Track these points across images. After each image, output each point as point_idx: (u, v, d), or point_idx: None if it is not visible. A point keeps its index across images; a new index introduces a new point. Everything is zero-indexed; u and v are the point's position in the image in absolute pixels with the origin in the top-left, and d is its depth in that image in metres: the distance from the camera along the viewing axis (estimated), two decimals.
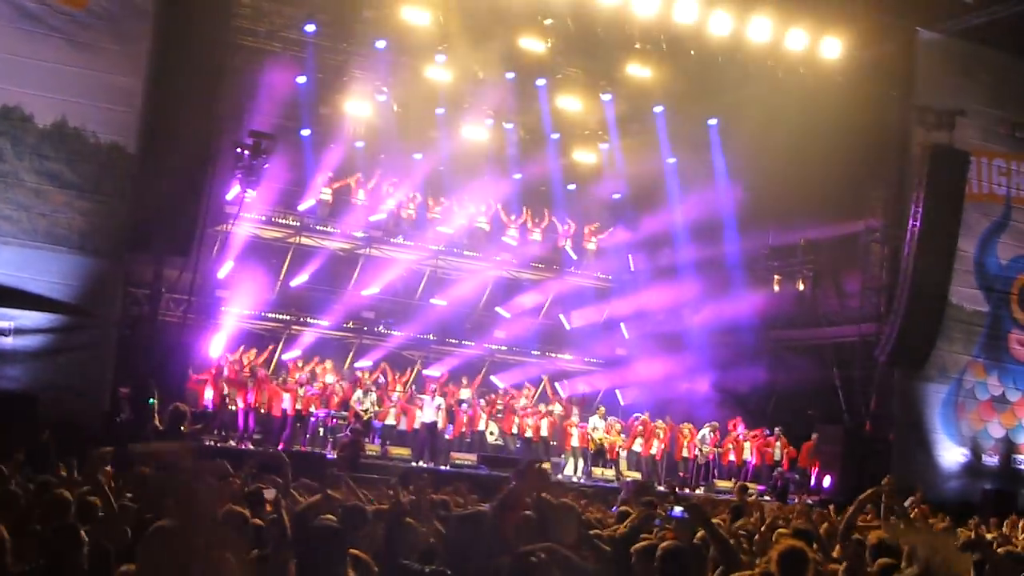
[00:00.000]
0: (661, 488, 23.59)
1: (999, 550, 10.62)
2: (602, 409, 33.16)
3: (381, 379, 31.74)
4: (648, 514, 10.47)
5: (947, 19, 32.32)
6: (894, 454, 31.21)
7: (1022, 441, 32.91)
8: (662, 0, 29.75)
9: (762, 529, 11.26)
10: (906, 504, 14.88)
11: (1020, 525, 18.69)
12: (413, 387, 32.54)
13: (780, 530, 10.41)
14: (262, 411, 28.29)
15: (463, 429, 30.97)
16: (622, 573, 8.43)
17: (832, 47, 31.40)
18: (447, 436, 30.61)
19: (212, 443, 25.95)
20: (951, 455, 32.02)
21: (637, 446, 32.05)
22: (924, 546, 6.76)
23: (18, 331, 23.94)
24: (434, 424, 29.81)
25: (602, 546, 9.44)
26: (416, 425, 30.00)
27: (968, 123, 31.80)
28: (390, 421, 30.20)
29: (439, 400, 30.23)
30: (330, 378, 31.03)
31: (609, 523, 12.13)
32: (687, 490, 29.98)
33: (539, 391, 34.97)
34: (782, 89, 32.55)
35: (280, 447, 26.95)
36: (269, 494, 11.00)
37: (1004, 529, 17.56)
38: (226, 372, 28.73)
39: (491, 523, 8.01)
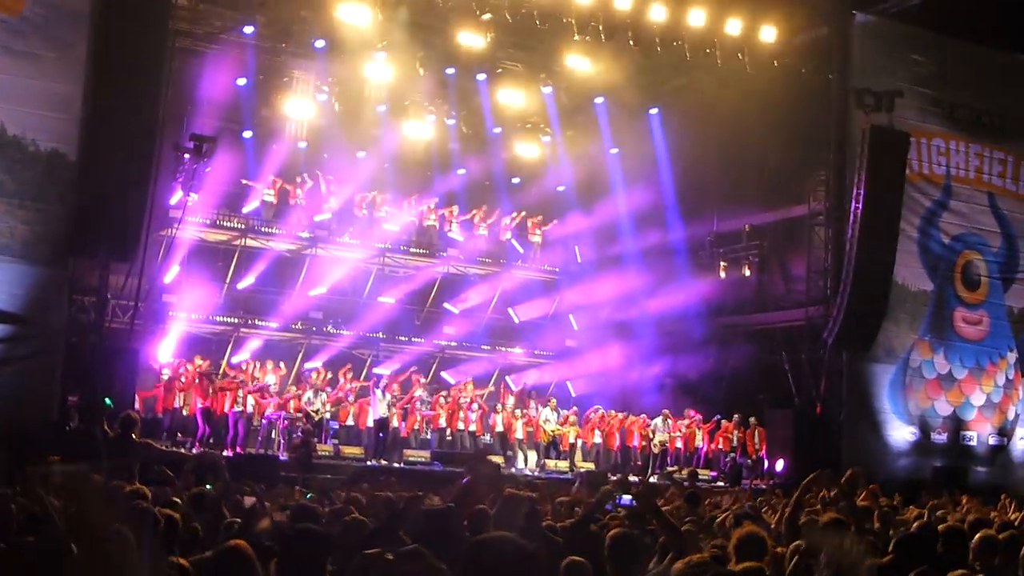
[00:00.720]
0: (613, 478, 23.69)
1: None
2: (553, 401, 33.18)
3: (332, 379, 31.63)
4: (599, 501, 10.52)
5: (882, 1, 32.59)
6: (844, 435, 31.44)
7: (970, 418, 33.20)
8: None
9: (720, 515, 11.32)
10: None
11: (964, 502, 18.82)
12: (360, 382, 32.37)
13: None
14: (214, 415, 28.15)
15: (415, 426, 30.89)
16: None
17: (769, 33, 31.58)
18: (401, 434, 30.52)
19: (163, 447, 25.76)
20: (900, 434, 32.27)
21: (589, 437, 32.13)
22: (831, 549, 6.82)
23: None
24: (385, 420, 29.74)
25: (554, 537, 9.50)
26: (369, 423, 29.95)
27: (906, 104, 31.98)
28: (349, 421, 30.12)
29: (388, 396, 30.20)
30: (271, 378, 30.86)
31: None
32: (638, 479, 30.12)
33: (490, 385, 34.97)
34: (721, 76, 32.75)
35: (229, 451, 26.87)
36: (248, 501, 11.00)
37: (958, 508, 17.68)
38: (176, 378, 28.57)
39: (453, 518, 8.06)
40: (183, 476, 12.75)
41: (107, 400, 23.07)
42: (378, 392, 30.07)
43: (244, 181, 33.84)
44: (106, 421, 20.17)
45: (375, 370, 34.18)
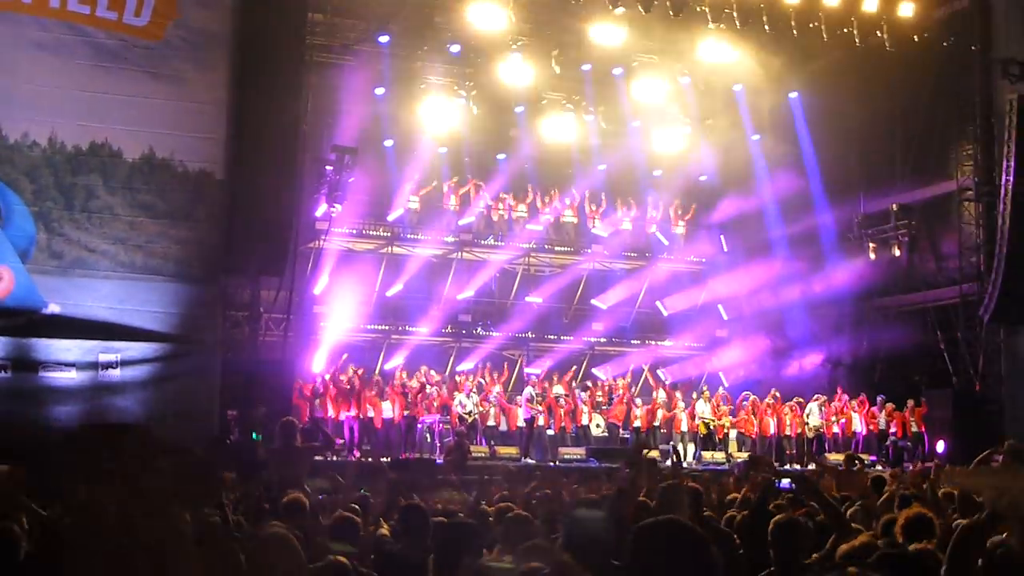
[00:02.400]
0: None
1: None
2: (707, 392, 33.03)
3: (482, 381, 31.78)
4: (768, 482, 10.45)
5: None
6: (1007, 413, 30.82)
7: None
8: None
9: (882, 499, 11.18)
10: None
11: None
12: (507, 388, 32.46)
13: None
14: (369, 422, 28.45)
15: (562, 424, 30.87)
16: (757, 547, 8.42)
17: (908, 7, 31.11)
18: (550, 432, 30.52)
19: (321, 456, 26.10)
20: None
21: (745, 426, 31.92)
22: (990, 488, 6.70)
23: (125, 363, 24.35)
24: (531, 419, 29.91)
25: (719, 527, 9.47)
26: (520, 423, 30.07)
27: None
28: (491, 422, 30.27)
29: (529, 392, 30.40)
30: (432, 384, 31.11)
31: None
32: (798, 466, 29.85)
33: (641, 379, 34.87)
34: (860, 55, 32.36)
35: (387, 457, 27.14)
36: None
37: None
38: (331, 386, 28.95)
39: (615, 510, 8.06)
40: (345, 482, 12.94)
41: (254, 434, 23.51)
42: (529, 390, 30.24)
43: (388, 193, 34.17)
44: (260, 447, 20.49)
45: (527, 370, 34.33)
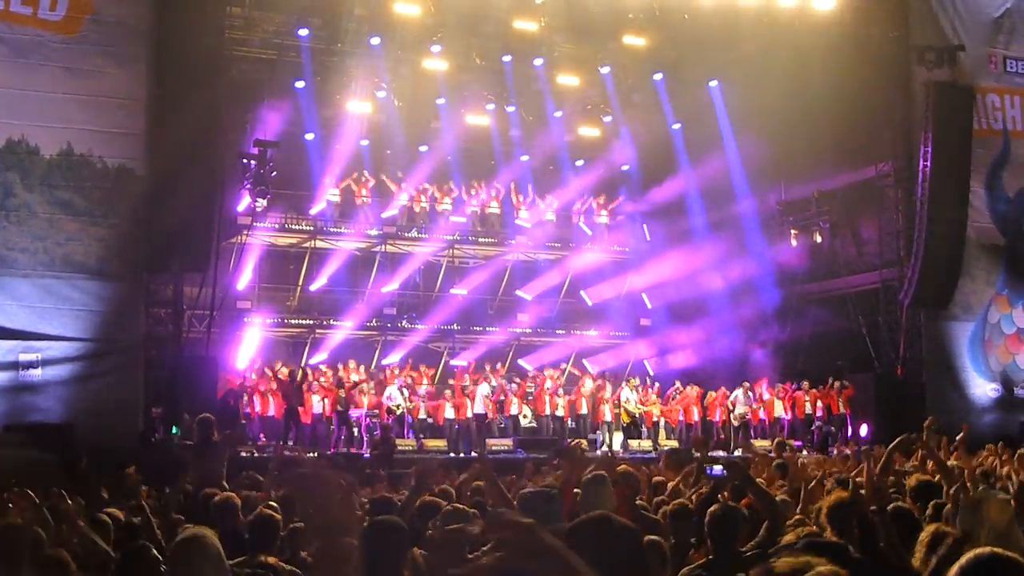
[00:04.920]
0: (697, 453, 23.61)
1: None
2: (633, 381, 33.17)
3: (413, 375, 31.73)
4: (700, 468, 10.51)
5: None
6: (928, 396, 31.20)
7: None
8: None
9: (811, 484, 11.27)
10: (956, 441, 14.87)
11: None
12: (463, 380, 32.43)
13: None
14: (303, 417, 28.31)
15: (494, 415, 30.94)
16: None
17: None
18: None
19: (247, 453, 25.97)
20: (983, 391, 32.02)
21: (670, 414, 32.07)
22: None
23: (46, 363, 24.14)
24: (483, 415, 30.07)
25: (647, 514, 9.51)
26: (449, 416, 30.08)
27: (960, 59, 31.77)
28: (422, 415, 30.27)
29: (485, 388, 30.49)
30: (354, 377, 30.98)
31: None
32: (723, 452, 30.05)
33: (568, 369, 34.94)
34: (779, 43, 32.55)
35: (315, 452, 27.04)
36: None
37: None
38: (254, 381, 28.81)
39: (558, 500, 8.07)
40: (268, 479, 12.87)
41: (174, 428, 23.39)
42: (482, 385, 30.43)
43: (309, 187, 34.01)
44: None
45: (452, 362, 34.31)
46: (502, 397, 31.23)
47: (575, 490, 9.00)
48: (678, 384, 32.83)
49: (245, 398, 28.09)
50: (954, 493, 9.10)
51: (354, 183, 34.43)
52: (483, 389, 30.69)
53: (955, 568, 3.81)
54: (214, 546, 6.03)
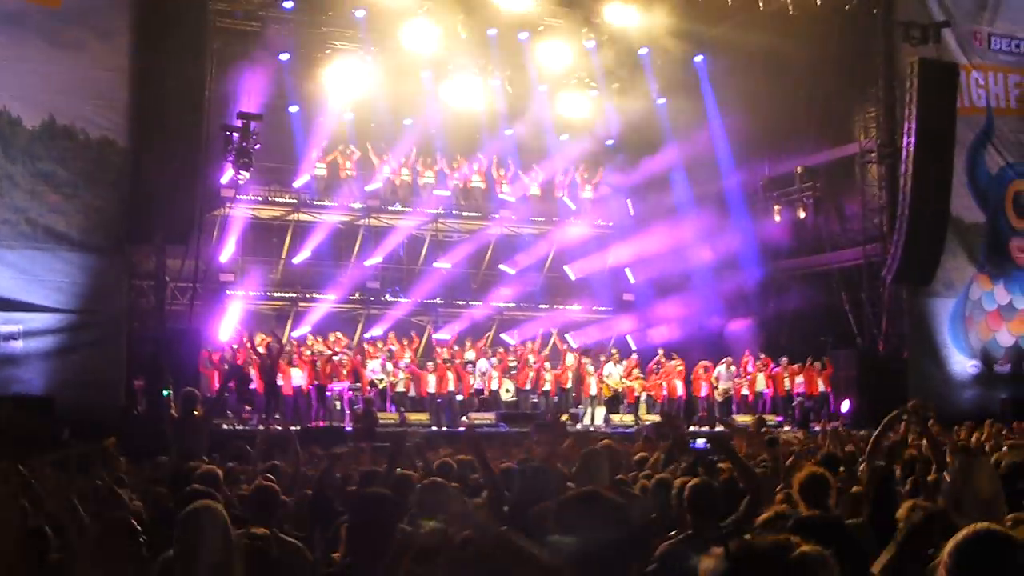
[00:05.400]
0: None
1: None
2: (616, 354, 33.22)
3: (393, 348, 31.69)
4: (678, 443, 10.53)
5: None
6: (909, 372, 31.31)
7: None
8: None
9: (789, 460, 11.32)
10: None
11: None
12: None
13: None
14: (281, 389, 28.29)
15: (472, 388, 30.99)
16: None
17: None
18: (460, 397, 30.61)
19: (230, 426, 25.97)
20: (963, 368, 32.15)
21: (653, 389, 32.10)
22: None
23: (28, 334, 24.05)
24: (480, 390, 30.66)
25: (631, 491, 9.54)
26: (431, 389, 30.10)
27: (945, 36, 31.81)
28: (400, 389, 30.27)
29: (484, 364, 30.82)
30: (341, 351, 30.96)
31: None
32: (707, 427, 30.12)
33: (550, 344, 34.96)
34: (764, 19, 32.59)
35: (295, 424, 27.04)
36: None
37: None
38: (238, 354, 28.77)
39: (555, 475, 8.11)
40: (254, 452, 12.87)
41: (165, 391, 23.30)
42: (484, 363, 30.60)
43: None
44: (173, 405, 20.35)
45: (436, 335, 34.30)
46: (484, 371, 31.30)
47: (558, 464, 9.01)
48: (661, 354, 32.81)
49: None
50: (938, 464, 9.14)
51: (340, 156, 34.37)
52: (482, 365, 30.82)
53: (951, 544, 3.84)
54: (222, 515, 6.10)
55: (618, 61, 37.14)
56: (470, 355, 31.79)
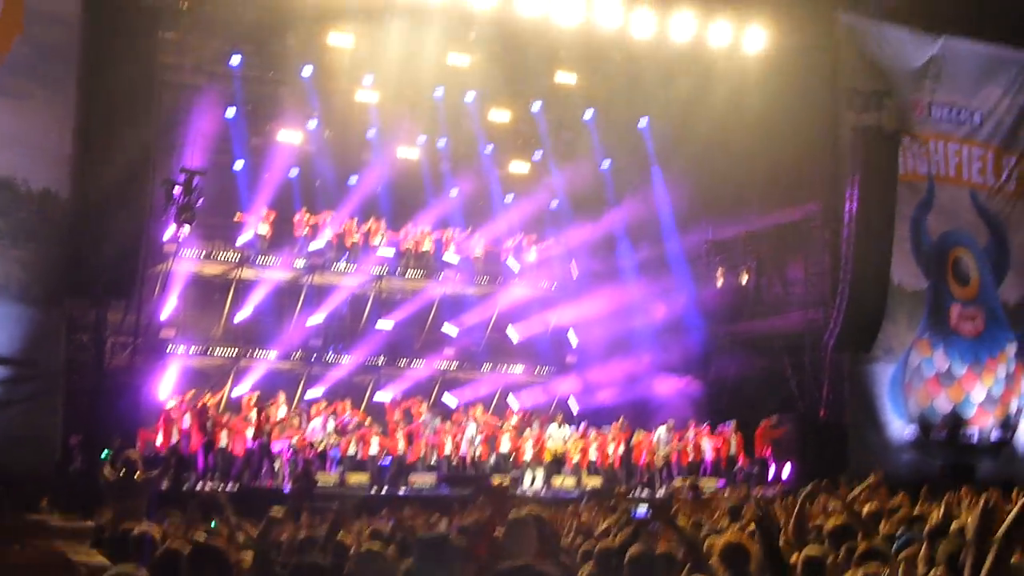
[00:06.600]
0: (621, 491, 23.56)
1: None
2: (559, 417, 33.11)
3: (337, 409, 31.43)
4: (624, 514, 10.45)
5: (867, 2, 32.75)
6: (850, 438, 31.41)
7: (970, 414, 33.17)
8: (585, 4, 29.99)
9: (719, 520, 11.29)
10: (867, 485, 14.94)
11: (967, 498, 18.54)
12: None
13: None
14: (226, 450, 27.98)
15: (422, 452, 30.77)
16: None
17: (755, 37, 31.74)
18: (407, 460, 30.38)
19: (168, 487, 25.62)
20: (902, 434, 32.29)
21: (594, 453, 31.98)
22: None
23: None
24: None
25: (564, 558, 9.44)
26: (373, 452, 29.86)
27: (888, 104, 32.19)
28: (351, 451, 29.99)
29: (472, 429, 30.94)
30: (282, 411, 30.66)
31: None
32: (647, 491, 30.08)
33: (493, 406, 34.84)
34: (709, 83, 32.82)
35: (236, 485, 26.79)
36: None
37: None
38: (178, 412, 28.44)
39: (462, 547, 8.01)
40: (188, 514, 12.73)
41: (104, 452, 23.01)
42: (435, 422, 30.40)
43: (238, 216, 33.76)
44: (108, 463, 20.08)
45: (377, 395, 34.11)
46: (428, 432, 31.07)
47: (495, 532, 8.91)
48: (611, 425, 32.73)
49: (174, 428, 27.72)
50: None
51: (283, 213, 34.23)
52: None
53: None
54: None
55: (563, 123, 37.34)
56: (427, 417, 31.55)
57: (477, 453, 31.20)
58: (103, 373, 26.29)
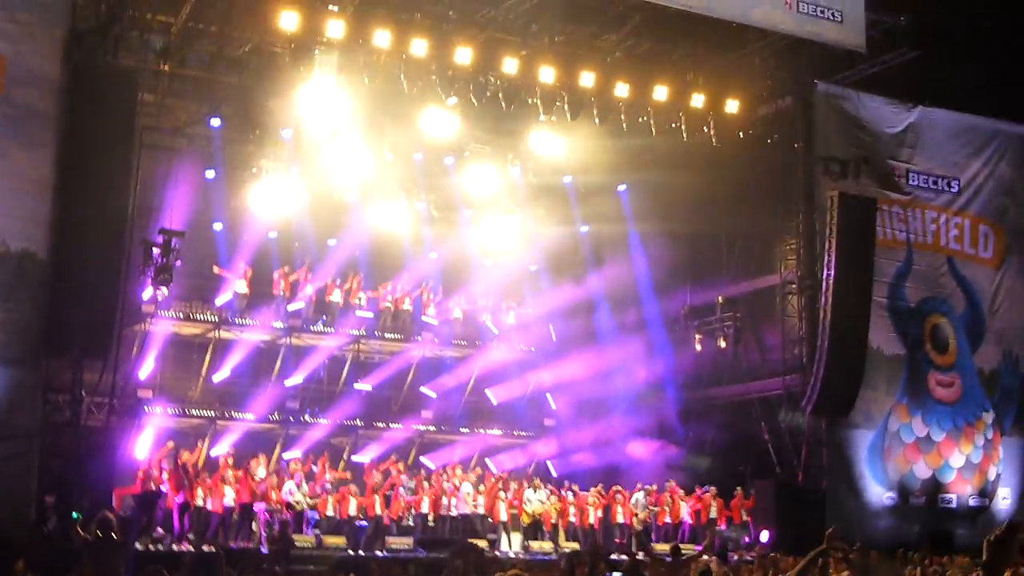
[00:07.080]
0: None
1: None
2: (536, 481, 33.00)
3: (313, 469, 31.27)
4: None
5: (843, 70, 33.01)
6: (828, 503, 31.36)
7: (948, 480, 33.21)
8: (565, 71, 30.17)
9: None
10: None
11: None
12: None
13: None
14: (205, 509, 27.81)
15: (400, 513, 30.61)
16: None
17: (733, 105, 31.92)
18: (383, 522, 30.19)
19: (146, 548, 25.46)
20: (880, 500, 32.28)
21: (572, 516, 31.87)
22: None
23: None
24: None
25: None
26: (352, 512, 29.68)
27: (865, 170, 32.43)
28: (328, 512, 29.81)
29: (469, 487, 30.85)
30: (261, 472, 30.50)
31: None
32: (624, 556, 29.95)
33: (471, 468, 34.72)
34: (688, 149, 33.04)
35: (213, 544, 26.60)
36: None
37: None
38: (157, 468, 28.26)
39: None
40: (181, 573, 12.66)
41: (75, 514, 22.85)
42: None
43: (215, 269, 33.70)
44: (79, 526, 19.92)
45: (354, 458, 33.96)
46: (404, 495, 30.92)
47: None
48: (577, 487, 32.65)
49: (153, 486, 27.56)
50: None
51: (262, 274, 34.19)
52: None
53: None
54: None
55: (542, 188, 37.51)
56: (405, 479, 31.43)
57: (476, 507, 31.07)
58: (79, 433, 26.12)
